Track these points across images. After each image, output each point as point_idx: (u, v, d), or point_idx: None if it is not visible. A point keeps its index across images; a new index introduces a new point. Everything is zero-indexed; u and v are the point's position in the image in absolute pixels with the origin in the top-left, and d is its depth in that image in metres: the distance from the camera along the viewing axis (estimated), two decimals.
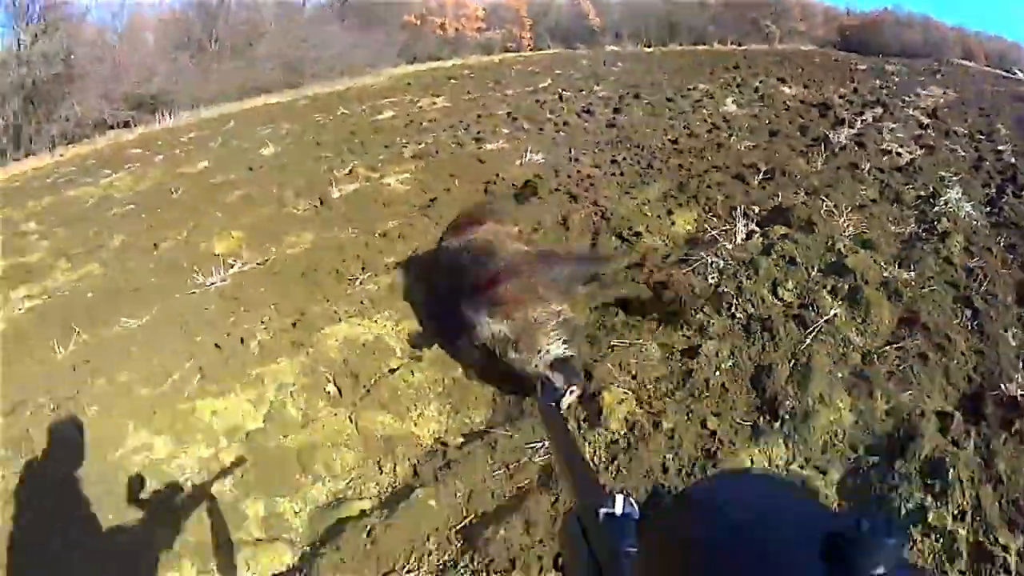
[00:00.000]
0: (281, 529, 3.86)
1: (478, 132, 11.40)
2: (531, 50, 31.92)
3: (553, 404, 1.55)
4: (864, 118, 10.43)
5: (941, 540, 3.20)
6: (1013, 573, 3.06)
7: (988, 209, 6.88)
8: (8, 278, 7.83)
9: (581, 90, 15.14)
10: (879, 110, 11.20)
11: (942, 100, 12.74)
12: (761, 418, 3.93)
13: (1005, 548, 3.13)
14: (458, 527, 3.51)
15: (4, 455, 4.57)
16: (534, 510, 3.42)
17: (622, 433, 3.89)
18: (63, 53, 20.37)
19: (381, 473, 4.08)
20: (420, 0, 32.35)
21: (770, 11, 34.21)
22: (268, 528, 3.87)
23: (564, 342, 4.23)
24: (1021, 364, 4.27)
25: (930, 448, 3.58)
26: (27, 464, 4.47)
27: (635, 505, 0.93)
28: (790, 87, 14.11)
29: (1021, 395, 3.95)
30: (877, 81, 14.96)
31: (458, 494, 3.66)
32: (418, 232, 7.15)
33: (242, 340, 5.36)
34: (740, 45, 30.96)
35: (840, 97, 12.72)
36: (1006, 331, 4.66)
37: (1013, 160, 8.74)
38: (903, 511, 3.31)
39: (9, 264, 8.33)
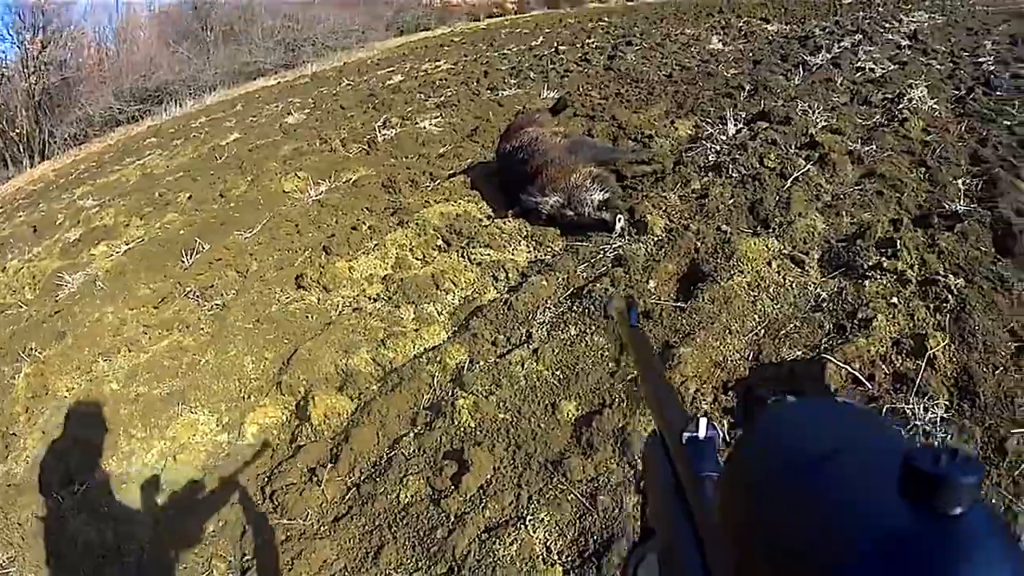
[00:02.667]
0: (431, 321, 5.59)
1: (489, 84, 12.98)
2: (516, 14, 33.63)
3: (636, 327, 1.51)
4: (843, 44, 11.40)
5: (895, 277, 4.63)
6: (953, 290, 4.41)
7: (954, 106, 7.88)
8: (85, 241, 9.10)
9: (574, 43, 16.45)
10: (859, 37, 11.99)
11: (926, 24, 13.40)
12: (758, 227, 5.56)
13: (945, 277, 4.53)
14: (564, 296, 5.30)
15: (162, 333, 6.17)
16: (617, 275, 5.24)
17: (663, 236, 5.67)
18: (68, 58, 21.59)
19: (497, 281, 5.87)
20: None
21: None
22: (421, 322, 5.60)
23: (601, 189, 6.27)
24: (964, 197, 5.58)
25: (882, 233, 5.11)
26: (194, 334, 6.08)
27: (718, 428, 0.98)
28: (772, 24, 15.05)
29: (961, 208, 5.32)
30: (861, 13, 15.78)
31: (559, 278, 5.48)
32: (469, 152, 8.88)
33: (354, 228, 7.06)
34: None
35: (821, 29, 13.43)
36: (956, 180, 5.88)
37: (992, 68, 9.43)
38: (864, 266, 4.80)
39: (83, 231, 9.60)
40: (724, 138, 7.41)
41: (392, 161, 9.22)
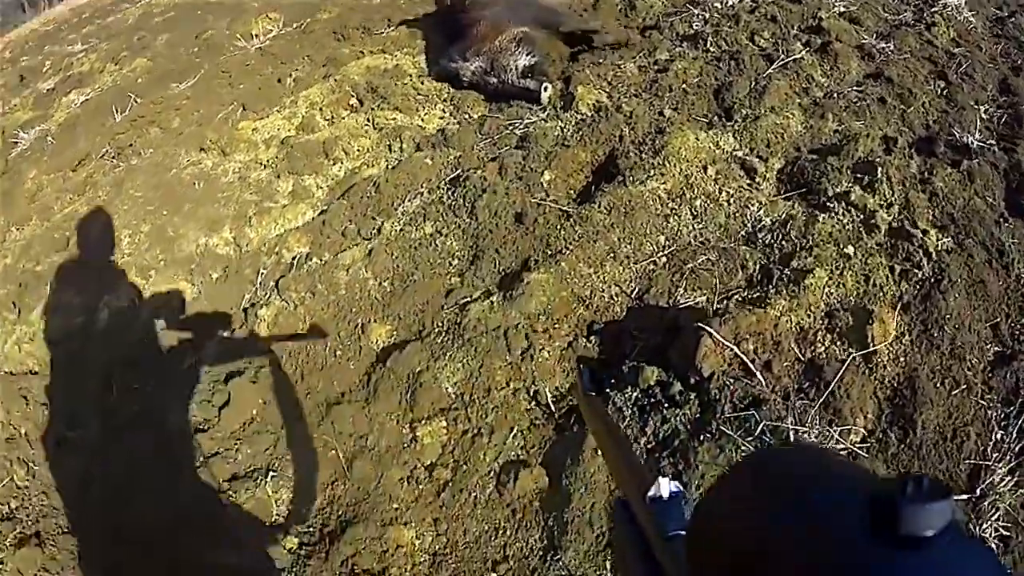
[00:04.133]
0: (305, 196, 4.87)
1: None
2: None
3: (594, 393, 1.54)
4: None
5: (861, 216, 3.52)
6: (932, 253, 3.32)
7: (992, 25, 6.31)
8: (58, 89, 8.71)
9: None
10: None
11: None
12: (715, 117, 4.48)
13: (925, 232, 3.44)
14: (444, 180, 4.42)
15: (72, 198, 5.66)
16: (508, 161, 4.31)
17: (589, 114, 4.66)
18: None
19: (390, 152, 5.01)
20: None
21: None
22: (295, 197, 4.90)
23: (528, 53, 5.21)
24: (981, 124, 4.34)
25: (865, 151, 3.92)
26: (91, 201, 5.52)
27: (681, 487, 0.97)
28: None
29: (976, 142, 4.08)
30: None
31: (450, 156, 4.60)
32: None
33: (279, 80, 6.27)
34: None
35: None
36: (976, 104, 4.60)
37: None
38: (829, 192, 3.70)
39: (60, 79, 9.20)
40: (719, 5, 6.00)
41: (365, 2, 8.19)
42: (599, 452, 3.29)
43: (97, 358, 4.29)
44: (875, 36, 5.27)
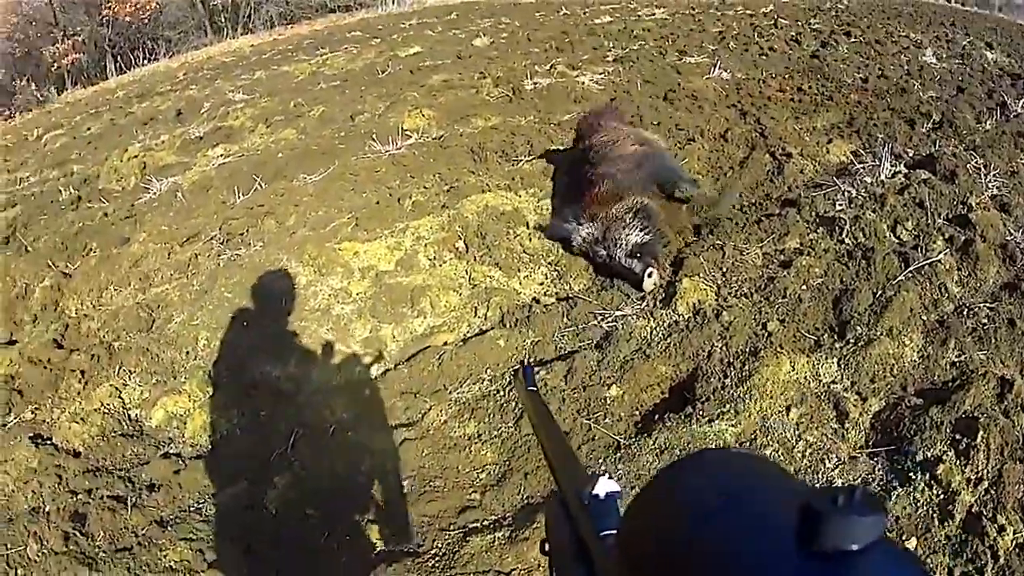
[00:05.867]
0: (379, 346, 4.87)
1: (684, 45, 11.56)
2: None
3: (534, 389, 1.57)
4: None
5: (941, 497, 3.20)
6: (1000, 555, 2.98)
7: None
8: (207, 139, 9.14)
9: (797, 20, 14.60)
10: None
11: None
12: (826, 334, 4.16)
13: (1002, 529, 3.06)
14: (508, 369, 4.33)
15: (171, 275, 5.82)
16: (579, 363, 4.17)
17: (685, 317, 4.44)
18: None
19: (475, 316, 4.97)
20: None
21: None
22: (367, 345, 4.90)
23: (641, 229, 5.01)
24: None
25: (971, 406, 3.53)
26: (185, 288, 5.65)
27: (619, 486, 0.98)
28: (994, 53, 12.89)
29: None
30: None
31: (527, 340, 4.50)
32: None
33: (399, 200, 6.31)
34: (961, 3, 28.30)
35: None
36: None
37: None
38: (918, 457, 3.35)
39: (211, 127, 9.70)
40: (869, 180, 5.75)
41: (518, 117, 8.31)
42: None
43: (123, 470, 4.32)
44: (1021, 230, 4.87)
